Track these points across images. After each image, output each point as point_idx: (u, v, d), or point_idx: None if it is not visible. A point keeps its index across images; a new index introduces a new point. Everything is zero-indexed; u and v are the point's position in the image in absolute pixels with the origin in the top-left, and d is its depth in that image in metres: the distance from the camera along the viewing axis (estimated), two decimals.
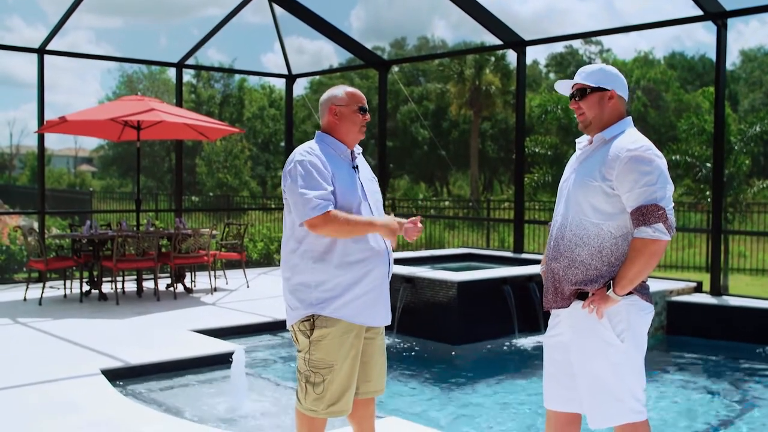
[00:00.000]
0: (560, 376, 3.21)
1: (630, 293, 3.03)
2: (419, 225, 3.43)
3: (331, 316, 3.35)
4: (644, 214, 2.93)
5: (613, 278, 3.01)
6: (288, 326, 3.51)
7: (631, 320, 3.04)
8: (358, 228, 3.31)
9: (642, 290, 3.08)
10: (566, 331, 3.16)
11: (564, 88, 3.26)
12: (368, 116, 3.56)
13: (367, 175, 3.58)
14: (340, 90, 3.55)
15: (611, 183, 2.99)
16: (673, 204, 3.03)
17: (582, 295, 3.07)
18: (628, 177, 2.96)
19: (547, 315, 3.36)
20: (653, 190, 2.94)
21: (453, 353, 7.12)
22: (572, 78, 3.26)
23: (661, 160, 3.01)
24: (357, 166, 3.52)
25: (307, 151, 3.38)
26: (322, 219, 3.23)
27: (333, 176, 3.35)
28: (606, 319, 3.02)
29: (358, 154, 3.59)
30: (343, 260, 3.34)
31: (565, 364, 3.18)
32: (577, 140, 3.31)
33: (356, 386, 3.52)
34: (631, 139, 3.04)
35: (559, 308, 3.15)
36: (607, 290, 3.00)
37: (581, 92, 3.16)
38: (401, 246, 12.85)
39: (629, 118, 3.18)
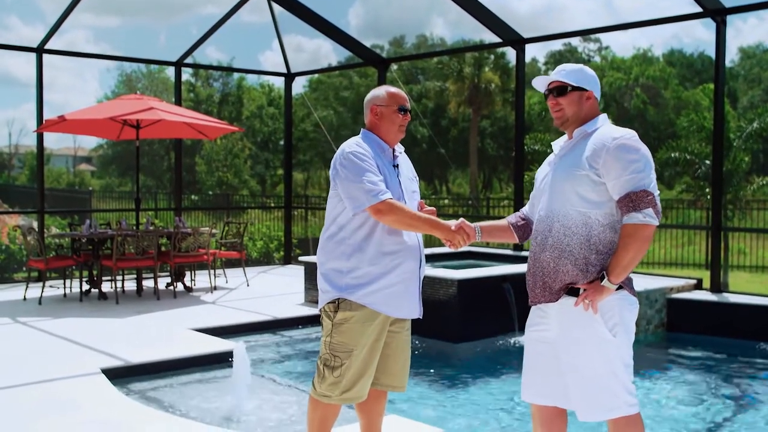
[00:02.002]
0: (541, 369, 3.24)
1: (620, 287, 3.07)
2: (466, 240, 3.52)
3: (356, 302, 3.45)
4: (634, 201, 2.98)
5: (606, 268, 3.04)
6: (318, 309, 3.63)
7: (623, 314, 3.09)
8: (419, 224, 3.44)
9: (629, 284, 3.14)
10: (554, 326, 3.17)
11: (541, 84, 3.31)
12: (409, 116, 3.67)
13: (407, 174, 3.70)
14: (382, 90, 3.66)
15: (598, 171, 3.04)
16: (658, 192, 3.09)
17: (572, 291, 3.08)
18: (616, 164, 3.01)
19: (528, 310, 3.37)
20: (641, 177, 3.00)
21: (453, 351, 7.12)
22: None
23: (645, 148, 3.07)
24: (398, 165, 3.64)
25: (357, 143, 3.52)
26: (388, 205, 3.37)
27: (379, 169, 3.48)
28: (598, 314, 3.05)
29: (399, 153, 3.70)
30: (377, 251, 3.46)
31: (550, 358, 3.20)
32: (552, 143, 3.36)
33: (376, 377, 3.61)
34: (614, 128, 3.12)
35: (548, 302, 3.16)
36: (601, 281, 3.02)
37: (561, 89, 3.22)
38: None
39: (605, 115, 3.26)
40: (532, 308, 3.31)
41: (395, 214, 3.37)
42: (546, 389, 3.24)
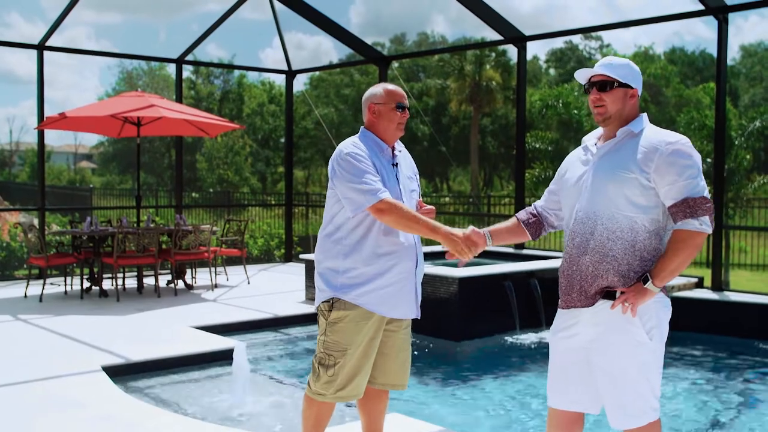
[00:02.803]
0: (571, 376, 3.13)
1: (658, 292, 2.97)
2: (473, 251, 3.39)
3: (350, 302, 3.45)
4: (692, 207, 2.87)
5: (649, 271, 2.94)
6: (314, 307, 3.64)
7: (660, 317, 3.01)
8: (419, 226, 3.37)
9: (665, 287, 3.05)
10: (587, 330, 3.05)
11: (583, 76, 3.14)
12: (407, 113, 3.64)
13: (406, 173, 3.67)
14: (379, 88, 3.63)
15: (648, 175, 2.91)
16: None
17: (609, 294, 2.98)
18: (671, 169, 2.89)
19: (552, 312, 3.29)
20: (697, 182, 2.89)
21: (454, 349, 7.12)
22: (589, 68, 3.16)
23: (698, 155, 2.97)
24: (397, 163, 3.61)
25: (354, 144, 3.51)
26: (388, 204, 3.35)
27: (376, 169, 3.46)
28: (637, 317, 2.95)
29: (399, 151, 3.67)
30: (373, 252, 3.45)
31: (581, 364, 3.10)
32: (584, 138, 3.23)
33: (373, 376, 3.61)
34: (665, 132, 3.00)
35: (584, 307, 3.04)
36: (644, 283, 2.92)
37: (605, 84, 3.05)
38: None
39: (646, 114, 3.14)
40: (561, 311, 3.18)
41: (394, 213, 3.34)
42: (575, 396, 3.14)
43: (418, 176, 3.81)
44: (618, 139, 3.05)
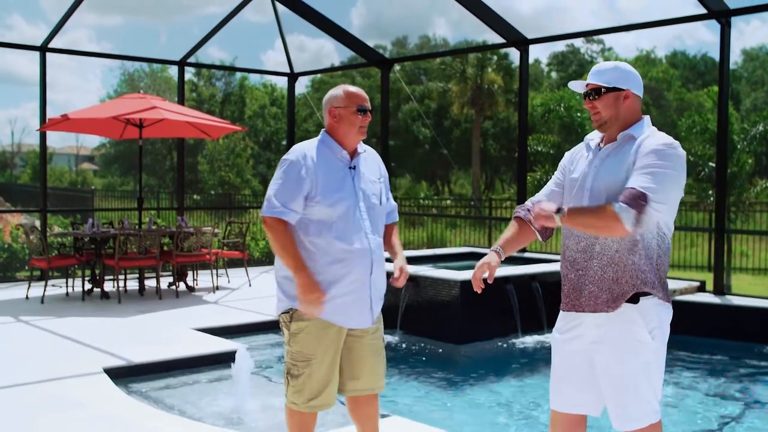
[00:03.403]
0: (574, 379, 3.13)
1: (654, 295, 2.97)
2: (317, 309, 3.34)
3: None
4: (632, 196, 2.82)
5: (568, 208, 2.96)
6: (275, 316, 3.58)
7: (661, 318, 3.02)
8: (287, 259, 3.35)
9: (664, 291, 3.04)
10: (589, 332, 3.05)
11: (579, 87, 3.19)
12: (369, 116, 3.52)
13: (369, 177, 3.55)
14: (339, 90, 3.53)
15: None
16: (661, 214, 2.88)
17: (633, 298, 2.97)
18: (645, 160, 2.89)
19: (553, 315, 3.28)
20: (654, 182, 2.84)
21: (455, 352, 7.11)
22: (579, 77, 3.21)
23: (679, 167, 2.92)
24: (355, 166, 3.50)
25: (300, 151, 3.42)
26: (274, 222, 3.33)
27: (317, 178, 3.36)
28: (639, 317, 2.96)
29: (362, 152, 3.56)
30: (325, 259, 3.37)
31: (583, 366, 3.10)
32: (587, 137, 3.24)
33: (343, 383, 3.53)
34: (664, 135, 2.99)
35: (592, 312, 3.02)
36: (557, 213, 2.92)
37: (596, 92, 3.08)
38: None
39: (648, 117, 3.13)
40: (563, 313, 3.17)
41: (273, 235, 3.34)
42: (578, 398, 3.13)
43: (386, 179, 3.68)
44: (617, 144, 3.06)
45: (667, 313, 3.06)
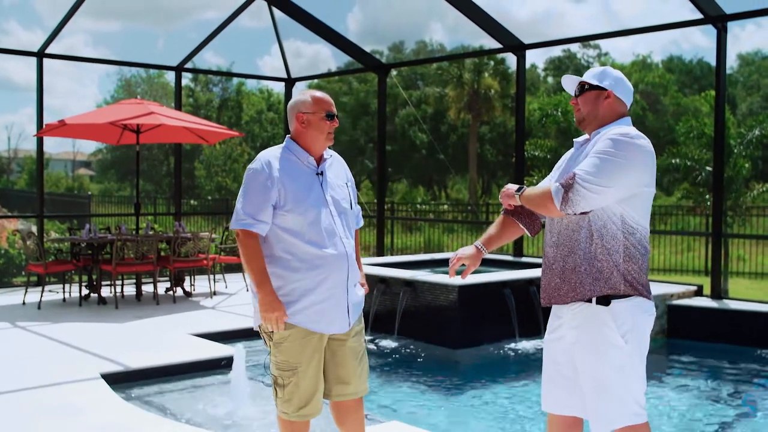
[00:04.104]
0: (559, 378, 3.16)
1: (634, 295, 2.99)
2: (278, 327, 3.34)
3: (287, 321, 3.36)
4: (566, 178, 2.94)
5: (527, 188, 3.13)
6: (254, 327, 3.54)
7: (636, 321, 3.00)
8: (251, 274, 3.37)
9: (646, 290, 3.04)
10: (569, 333, 3.09)
11: (569, 84, 3.27)
12: (336, 122, 3.50)
13: (336, 182, 3.52)
14: (306, 95, 3.48)
15: None
16: (602, 197, 2.90)
17: (602, 300, 2.98)
18: (596, 147, 2.96)
19: (547, 316, 3.31)
20: (593, 166, 2.89)
21: (453, 357, 7.10)
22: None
23: (634, 157, 2.92)
24: (322, 172, 3.48)
25: (265, 159, 3.38)
26: (245, 235, 3.33)
27: (284, 186, 3.33)
28: (611, 320, 2.97)
29: (328, 157, 3.54)
30: (300, 265, 3.34)
31: (567, 366, 3.12)
32: (575, 140, 3.29)
33: (328, 389, 3.52)
34: (628, 129, 3.03)
35: (558, 304, 3.09)
36: (518, 192, 3.12)
37: (580, 89, 3.19)
38: (395, 249, 12.81)
39: (629, 119, 3.16)
40: (551, 312, 3.23)
41: (241, 247, 3.35)
42: (566, 399, 3.15)
43: (353, 183, 3.67)
44: (592, 143, 3.11)
45: (643, 316, 3.04)
